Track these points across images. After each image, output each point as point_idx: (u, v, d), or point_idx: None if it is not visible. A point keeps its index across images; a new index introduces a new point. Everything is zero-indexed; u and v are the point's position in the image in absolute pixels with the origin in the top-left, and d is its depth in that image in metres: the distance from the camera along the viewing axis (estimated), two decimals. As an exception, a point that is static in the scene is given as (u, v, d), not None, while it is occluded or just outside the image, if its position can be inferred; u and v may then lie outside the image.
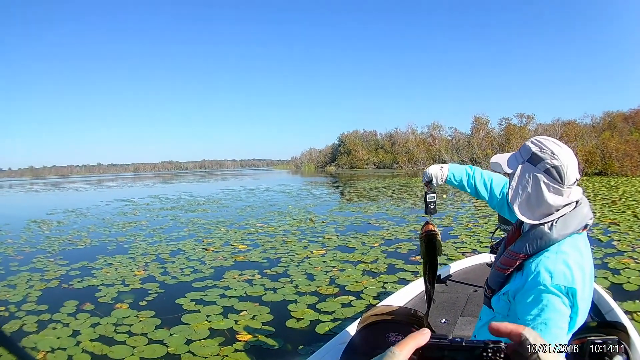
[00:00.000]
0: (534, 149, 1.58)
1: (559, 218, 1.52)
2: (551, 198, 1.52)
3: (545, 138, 1.61)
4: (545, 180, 1.52)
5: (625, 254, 8.01)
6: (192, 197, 26.98)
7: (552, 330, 1.40)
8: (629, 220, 11.58)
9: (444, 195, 20.68)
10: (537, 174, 1.54)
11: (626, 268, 7.09)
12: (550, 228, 1.51)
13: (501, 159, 1.72)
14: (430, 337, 0.57)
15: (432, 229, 1.88)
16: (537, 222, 1.55)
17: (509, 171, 1.66)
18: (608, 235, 9.56)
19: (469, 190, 2.20)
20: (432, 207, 2.29)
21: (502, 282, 1.65)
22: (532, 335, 0.56)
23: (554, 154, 1.53)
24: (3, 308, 6.41)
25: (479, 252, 6.84)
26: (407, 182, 31.90)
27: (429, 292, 2.11)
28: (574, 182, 1.54)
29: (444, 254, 8.45)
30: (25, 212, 21.64)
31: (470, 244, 9.32)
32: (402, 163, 60.93)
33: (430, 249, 1.91)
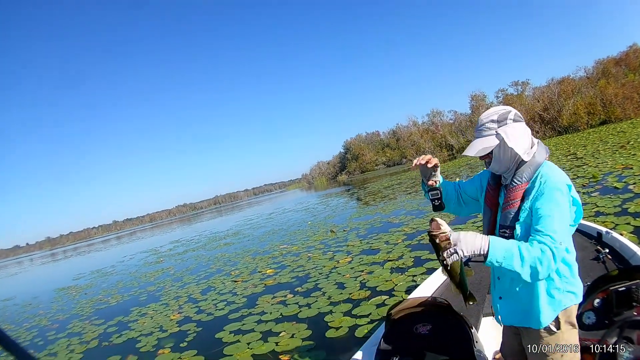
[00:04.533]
0: (501, 111, 1.91)
1: (536, 148, 1.93)
2: (529, 134, 1.93)
3: (491, 109, 1.96)
4: (524, 124, 1.93)
5: (643, 194, 7.96)
6: (212, 234, 27.21)
7: (564, 217, 1.79)
8: (640, 161, 11.46)
9: (457, 179, 20.60)
10: (518, 123, 1.91)
11: (647, 209, 7.03)
12: (534, 156, 1.90)
13: (478, 143, 1.94)
14: None
15: (431, 227, 1.81)
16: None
17: (496, 142, 1.89)
18: (623, 181, 9.47)
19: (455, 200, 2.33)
20: (436, 203, 2.24)
21: (515, 216, 1.91)
22: None
23: (505, 108, 1.93)
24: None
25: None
26: (419, 175, 31.42)
27: (460, 290, 1.97)
28: None
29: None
30: (52, 283, 21.88)
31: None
32: (410, 157, 60.27)
33: (435, 248, 1.84)
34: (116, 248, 44.76)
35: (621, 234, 4.31)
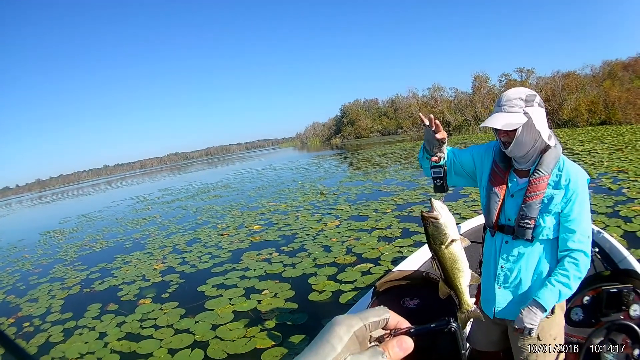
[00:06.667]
0: (530, 92, 1.84)
1: (556, 137, 1.92)
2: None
3: (519, 88, 1.87)
4: (545, 112, 1.88)
5: (635, 201, 7.85)
6: (202, 185, 27.10)
7: (589, 211, 1.88)
8: (637, 167, 11.24)
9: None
10: (542, 110, 1.86)
11: (638, 215, 6.96)
12: (555, 146, 1.88)
13: (503, 117, 1.82)
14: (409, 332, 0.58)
15: (425, 211, 1.48)
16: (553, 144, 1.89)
17: (523, 120, 1.78)
18: (617, 183, 9.34)
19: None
20: (438, 183, 1.97)
21: (539, 207, 1.86)
22: None
23: (532, 90, 1.86)
24: (27, 323, 6.45)
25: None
26: (413, 147, 31.53)
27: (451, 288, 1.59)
28: None
29: (456, 213, 8.36)
30: (38, 225, 21.47)
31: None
32: (406, 128, 60.06)
33: (425, 232, 1.53)
34: (105, 193, 44.24)
35: (612, 236, 4.27)
